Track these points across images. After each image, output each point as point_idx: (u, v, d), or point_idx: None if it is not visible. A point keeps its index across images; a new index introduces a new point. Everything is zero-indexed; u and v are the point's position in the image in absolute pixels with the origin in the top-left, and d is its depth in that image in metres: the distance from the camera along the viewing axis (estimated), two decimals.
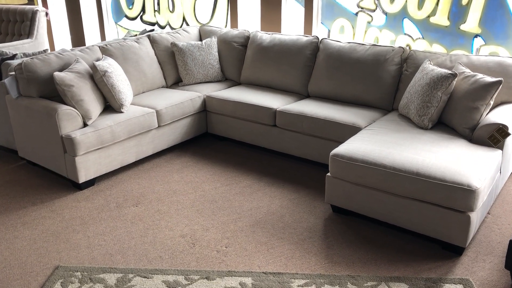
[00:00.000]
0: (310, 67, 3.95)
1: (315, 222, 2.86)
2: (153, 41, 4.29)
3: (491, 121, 2.77)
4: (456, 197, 2.37)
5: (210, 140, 4.25)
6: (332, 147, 3.38)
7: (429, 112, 3.01)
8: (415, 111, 3.10)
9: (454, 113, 2.97)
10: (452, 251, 2.54)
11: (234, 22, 4.96)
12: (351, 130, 3.25)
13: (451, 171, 2.44)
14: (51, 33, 6.59)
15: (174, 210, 3.03)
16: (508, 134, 2.72)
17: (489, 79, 2.87)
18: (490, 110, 3.01)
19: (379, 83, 3.54)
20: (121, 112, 3.54)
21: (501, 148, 2.77)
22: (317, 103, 3.67)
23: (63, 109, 3.20)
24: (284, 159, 3.79)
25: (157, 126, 3.70)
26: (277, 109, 3.63)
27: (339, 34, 4.33)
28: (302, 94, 4.00)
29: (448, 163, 2.51)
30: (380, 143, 2.81)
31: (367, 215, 2.75)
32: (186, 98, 3.91)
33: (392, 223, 2.67)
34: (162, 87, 4.29)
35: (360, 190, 2.72)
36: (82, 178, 3.27)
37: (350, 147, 2.79)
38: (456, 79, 2.94)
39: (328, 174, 2.85)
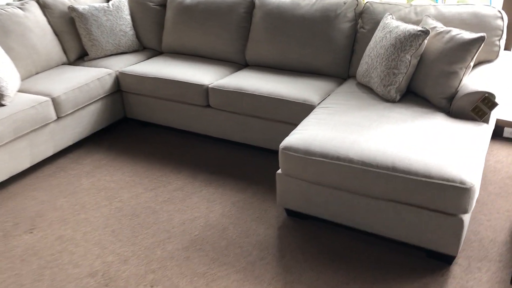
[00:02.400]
0: (245, 28, 3.22)
1: (267, 233, 2.24)
2: (43, 5, 3.35)
3: (473, 89, 2.22)
4: (445, 197, 1.82)
5: (130, 127, 3.46)
6: (281, 129, 2.74)
7: (397, 80, 2.42)
8: (378, 79, 2.50)
9: (427, 79, 2.39)
10: (440, 259, 2.02)
11: None
12: (302, 108, 2.61)
13: (436, 162, 1.87)
14: None
15: (82, 234, 2.30)
16: (496, 104, 2.18)
17: (468, 35, 2.29)
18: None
19: (331, 45, 2.89)
20: (3, 105, 2.68)
21: (487, 121, 2.24)
22: (257, 75, 2.98)
23: None
24: (224, 147, 3.11)
25: (55, 118, 2.87)
26: (209, 86, 2.91)
27: None
28: (239, 63, 3.28)
29: (431, 150, 1.94)
30: (341, 126, 2.19)
31: (331, 220, 2.17)
32: (92, 78, 3.08)
33: (362, 229, 2.11)
34: (63, 64, 3.40)
35: (321, 190, 2.12)
36: None
37: (304, 136, 2.15)
38: (428, 37, 2.35)
39: (279, 171, 2.22)
